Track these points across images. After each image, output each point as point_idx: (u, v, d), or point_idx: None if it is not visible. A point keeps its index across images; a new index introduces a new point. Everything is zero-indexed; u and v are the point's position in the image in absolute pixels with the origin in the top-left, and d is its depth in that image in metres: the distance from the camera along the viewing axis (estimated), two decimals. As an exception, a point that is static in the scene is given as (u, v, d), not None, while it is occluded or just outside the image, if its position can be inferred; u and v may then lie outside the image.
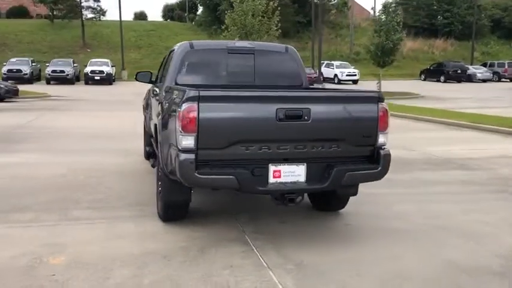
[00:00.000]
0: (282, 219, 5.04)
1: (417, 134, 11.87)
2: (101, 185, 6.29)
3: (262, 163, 4.05)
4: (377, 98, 4.21)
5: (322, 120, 4.07)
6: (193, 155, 3.84)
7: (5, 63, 31.79)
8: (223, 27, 26.93)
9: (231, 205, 5.60)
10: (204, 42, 5.82)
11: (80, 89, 27.61)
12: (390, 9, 25.88)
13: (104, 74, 31.94)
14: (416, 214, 5.32)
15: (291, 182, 4.11)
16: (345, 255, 4.13)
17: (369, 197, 5.94)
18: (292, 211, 5.35)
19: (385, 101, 4.29)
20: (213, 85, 5.23)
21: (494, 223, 5.08)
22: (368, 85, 27.42)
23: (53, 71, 31.48)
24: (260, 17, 25.27)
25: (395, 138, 10.82)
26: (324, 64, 38.89)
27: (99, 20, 47.29)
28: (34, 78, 32.18)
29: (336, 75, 36.78)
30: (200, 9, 58.07)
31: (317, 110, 4.04)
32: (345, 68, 37.41)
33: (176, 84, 5.32)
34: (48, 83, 30.90)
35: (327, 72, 37.99)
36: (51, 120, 13.57)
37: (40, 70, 34.21)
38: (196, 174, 3.84)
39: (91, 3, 46.87)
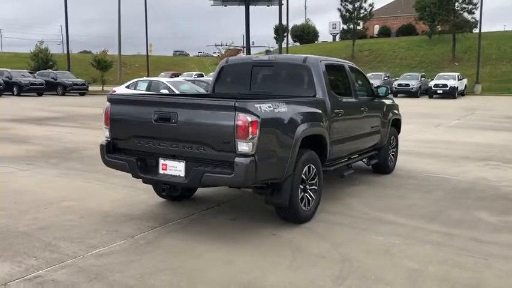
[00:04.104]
0: (234, 217, 5.42)
1: None
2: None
3: (155, 156, 4.87)
4: (233, 106, 4.23)
5: (186, 123, 4.52)
6: (106, 142, 5.13)
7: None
8: None
9: (235, 196, 6.19)
10: (239, 57, 6.55)
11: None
12: None
13: (447, 88, 31.67)
14: (377, 250, 4.52)
15: (172, 175, 4.72)
16: (191, 254, 4.40)
17: (388, 226, 5.28)
18: (259, 215, 5.56)
19: None
20: (237, 94, 6.08)
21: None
22: None
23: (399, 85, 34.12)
24: None
25: None
26: None
27: (471, 32, 45.74)
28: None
29: None
30: None
31: (183, 114, 4.52)
32: None
33: (213, 92, 6.48)
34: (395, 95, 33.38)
35: None
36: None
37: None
38: (105, 156, 5.12)
39: (466, 16, 45.97)
